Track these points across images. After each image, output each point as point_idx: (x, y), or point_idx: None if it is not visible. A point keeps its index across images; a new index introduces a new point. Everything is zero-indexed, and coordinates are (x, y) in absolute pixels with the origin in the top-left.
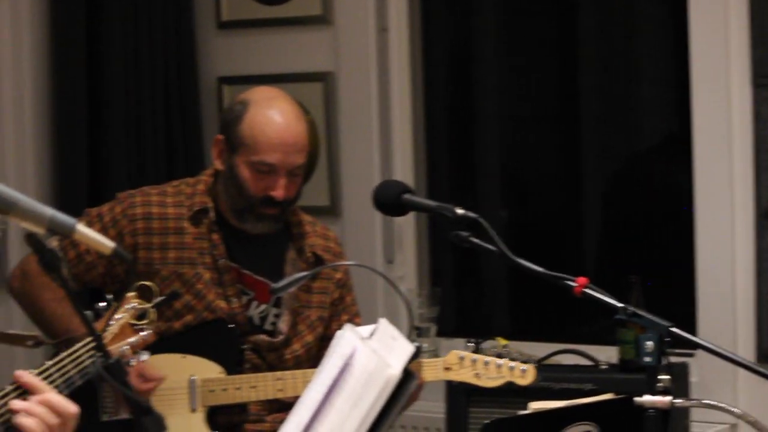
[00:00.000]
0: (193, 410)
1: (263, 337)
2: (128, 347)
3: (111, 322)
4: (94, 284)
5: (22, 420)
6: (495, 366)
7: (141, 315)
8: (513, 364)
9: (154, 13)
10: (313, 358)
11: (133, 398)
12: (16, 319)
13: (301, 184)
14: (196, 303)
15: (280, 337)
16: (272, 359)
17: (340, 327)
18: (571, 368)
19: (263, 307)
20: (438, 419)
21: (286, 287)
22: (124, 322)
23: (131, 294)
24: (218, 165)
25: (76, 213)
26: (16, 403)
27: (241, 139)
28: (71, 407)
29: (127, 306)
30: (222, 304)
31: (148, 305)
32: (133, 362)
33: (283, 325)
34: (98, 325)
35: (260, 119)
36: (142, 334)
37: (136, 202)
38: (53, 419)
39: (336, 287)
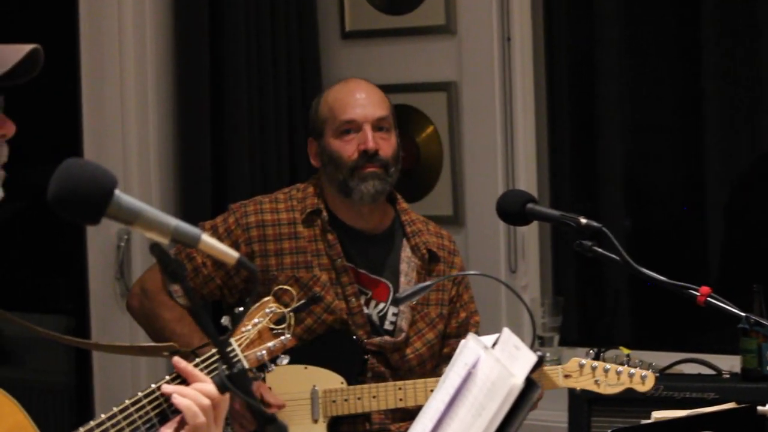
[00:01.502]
0: (315, 421)
1: (386, 338)
2: (265, 352)
3: (249, 327)
4: (212, 297)
5: (177, 400)
6: (615, 373)
7: (280, 319)
8: (633, 371)
9: (277, 23)
10: (436, 355)
11: (257, 408)
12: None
13: (398, 144)
14: (315, 305)
15: (402, 336)
16: (396, 360)
17: (458, 324)
18: (693, 377)
19: (381, 305)
20: (560, 428)
21: (409, 297)
22: (262, 326)
23: (269, 298)
24: (315, 163)
25: (198, 223)
26: (168, 387)
27: (322, 120)
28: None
29: (266, 310)
30: (341, 304)
31: (286, 309)
32: (271, 368)
33: (404, 323)
34: (235, 332)
35: (331, 94)
36: (281, 338)
37: (249, 211)
38: (204, 400)
39: (453, 284)
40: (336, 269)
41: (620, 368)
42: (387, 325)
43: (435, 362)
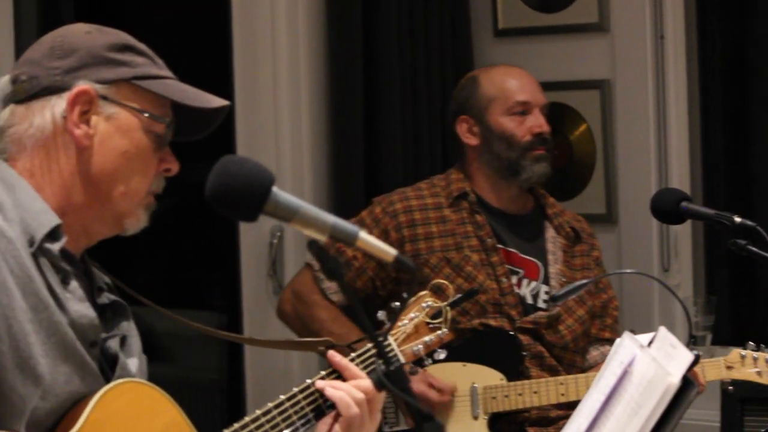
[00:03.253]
0: (476, 417)
1: (540, 313)
2: (422, 346)
3: (405, 321)
4: (365, 290)
5: (330, 392)
6: None
7: (436, 314)
8: None
9: (431, 20)
10: (588, 333)
11: (414, 405)
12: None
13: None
14: (468, 286)
15: (556, 309)
16: (550, 336)
17: (601, 305)
18: None
19: (534, 284)
20: (713, 428)
21: (567, 295)
22: (419, 321)
23: (425, 292)
24: (472, 141)
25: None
26: (320, 382)
27: (488, 98)
28: (374, 387)
29: (422, 305)
30: (493, 284)
31: (443, 304)
32: (428, 363)
33: None
34: (393, 326)
35: (496, 75)
36: (438, 332)
37: (394, 199)
38: (358, 394)
39: (595, 265)
40: (486, 250)
41: None
42: (540, 303)
43: (587, 340)
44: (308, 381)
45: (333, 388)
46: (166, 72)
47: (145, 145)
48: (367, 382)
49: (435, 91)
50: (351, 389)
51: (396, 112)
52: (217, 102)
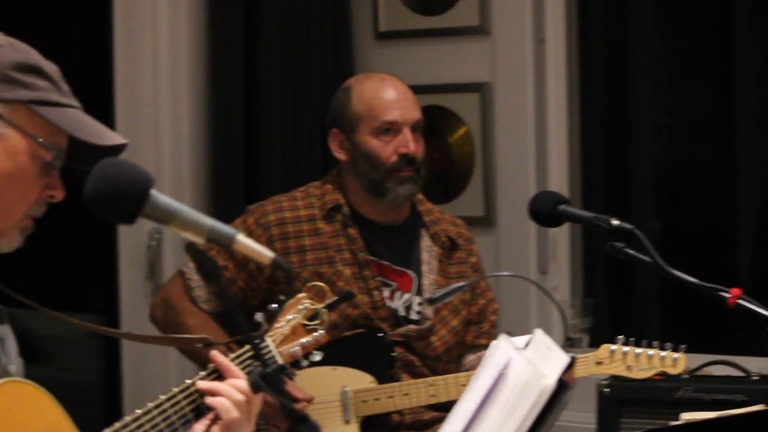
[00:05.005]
0: (347, 422)
1: (411, 327)
2: (299, 348)
3: (282, 323)
4: (236, 299)
5: (211, 400)
6: (646, 357)
7: (313, 315)
8: (664, 353)
9: (312, 23)
10: (461, 342)
11: (289, 407)
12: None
13: (425, 147)
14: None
15: (428, 323)
16: (422, 347)
17: (478, 311)
18: (722, 379)
19: (407, 296)
20: (589, 429)
21: (443, 297)
22: (296, 322)
23: (303, 295)
24: (341, 156)
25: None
26: (202, 383)
27: (357, 114)
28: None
29: (299, 307)
30: (365, 298)
31: (320, 305)
32: (305, 364)
33: (429, 311)
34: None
35: (368, 90)
36: (314, 334)
37: (268, 210)
38: (238, 396)
39: (472, 271)
40: (358, 263)
41: (651, 351)
42: (413, 315)
43: (461, 350)
44: (188, 381)
45: (213, 392)
46: (68, 100)
47: (29, 170)
48: (246, 383)
49: (315, 94)
50: (231, 392)
51: (276, 115)
52: (113, 140)
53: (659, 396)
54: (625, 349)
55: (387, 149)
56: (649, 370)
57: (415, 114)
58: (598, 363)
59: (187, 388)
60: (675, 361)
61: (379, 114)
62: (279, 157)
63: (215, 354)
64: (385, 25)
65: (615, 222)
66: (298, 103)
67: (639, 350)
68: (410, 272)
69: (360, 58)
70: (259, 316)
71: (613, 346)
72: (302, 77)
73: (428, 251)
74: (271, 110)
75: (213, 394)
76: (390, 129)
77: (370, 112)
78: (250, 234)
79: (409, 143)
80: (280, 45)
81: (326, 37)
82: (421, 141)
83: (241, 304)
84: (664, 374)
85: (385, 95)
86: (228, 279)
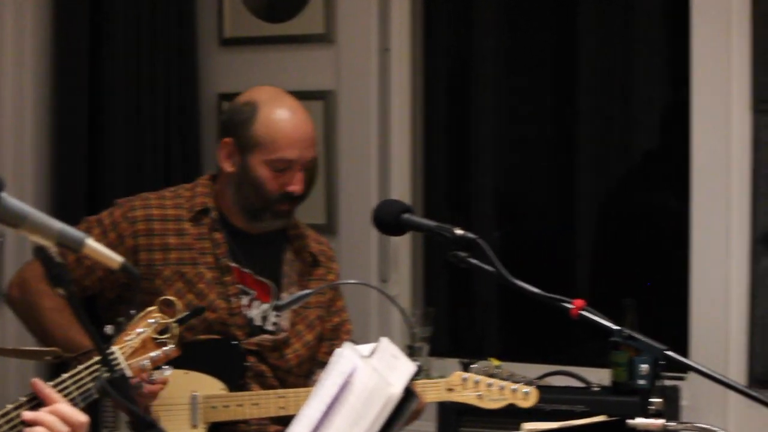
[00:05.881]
0: (194, 426)
1: (265, 337)
2: (149, 361)
3: (132, 336)
4: (93, 290)
5: (32, 429)
6: (498, 388)
7: (164, 329)
8: (515, 386)
9: (156, 29)
10: (314, 357)
11: (136, 413)
12: (9, 333)
13: (310, 178)
14: (198, 302)
15: (283, 335)
16: (275, 359)
17: (332, 328)
18: (563, 390)
19: (264, 306)
20: None
21: (290, 304)
22: (146, 336)
23: (153, 308)
24: (228, 167)
25: (73, 223)
26: (27, 414)
27: (257, 139)
28: (81, 417)
29: (149, 320)
30: (222, 303)
31: (170, 320)
32: (155, 376)
33: (285, 322)
34: (118, 340)
35: (274, 118)
36: (164, 348)
37: (136, 205)
38: (62, 428)
39: (329, 289)
40: (220, 268)
41: (503, 383)
42: (269, 325)
43: (312, 365)
44: (9, 407)
45: (36, 424)
46: None
47: None
48: (69, 409)
49: (159, 99)
50: (55, 423)
51: (120, 119)
52: None
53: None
54: (477, 378)
55: (275, 183)
56: (500, 401)
57: (311, 153)
58: (450, 390)
59: (8, 413)
60: (525, 395)
61: (279, 149)
62: (122, 162)
63: (36, 382)
64: (230, 31)
65: (458, 231)
66: (142, 107)
67: (490, 381)
68: (270, 283)
69: (204, 64)
70: (109, 329)
71: (466, 374)
72: (146, 82)
73: (290, 264)
74: (114, 114)
75: (35, 424)
76: (284, 167)
77: (271, 143)
78: (115, 226)
79: (298, 183)
80: (124, 49)
81: (171, 42)
82: (309, 175)
83: (98, 295)
84: (513, 406)
85: (290, 131)
86: (87, 267)
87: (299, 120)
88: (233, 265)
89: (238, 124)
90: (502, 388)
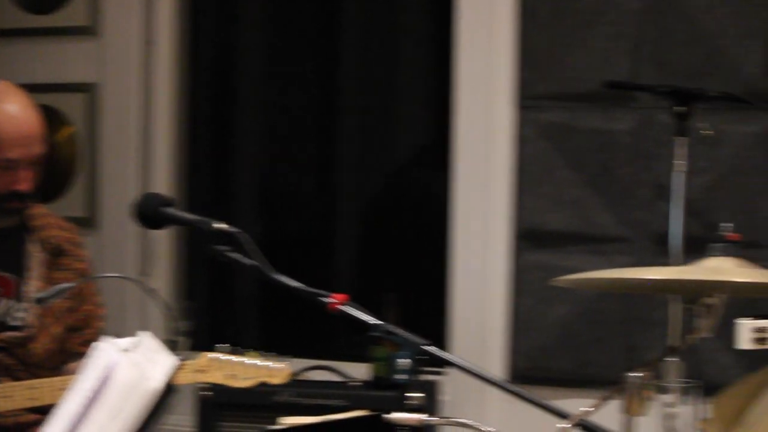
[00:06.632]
0: None
1: (11, 333)
2: None
3: None
4: None
5: None
6: (248, 366)
7: None
8: (265, 363)
9: None
10: (66, 349)
11: None
12: None
13: (41, 172)
14: None
15: (28, 331)
16: (22, 354)
17: (83, 317)
18: (323, 384)
19: (11, 302)
20: None
21: (51, 297)
22: None
23: None
24: None
25: None
26: None
27: None
28: None
29: None
30: None
31: None
32: None
33: (31, 318)
34: None
35: None
36: None
37: None
38: None
39: (79, 277)
40: None
41: (252, 361)
42: (15, 321)
43: (64, 357)
44: None
45: None
46: None
47: None
48: None
49: None
50: None
51: None
52: None
53: (259, 400)
54: (226, 357)
55: (0, 182)
56: (251, 379)
57: (37, 149)
58: (199, 371)
59: None
60: (276, 371)
61: (1, 150)
62: None
63: None
64: None
65: (218, 225)
66: None
67: (240, 359)
68: (13, 277)
69: None
70: None
71: (214, 355)
72: None
73: (34, 257)
74: None
75: None
76: (8, 165)
77: None
78: None
79: (23, 182)
80: None
81: None
82: (38, 170)
83: None
84: (265, 384)
85: (11, 130)
86: None
87: (24, 118)
88: None
89: None
90: (251, 366)
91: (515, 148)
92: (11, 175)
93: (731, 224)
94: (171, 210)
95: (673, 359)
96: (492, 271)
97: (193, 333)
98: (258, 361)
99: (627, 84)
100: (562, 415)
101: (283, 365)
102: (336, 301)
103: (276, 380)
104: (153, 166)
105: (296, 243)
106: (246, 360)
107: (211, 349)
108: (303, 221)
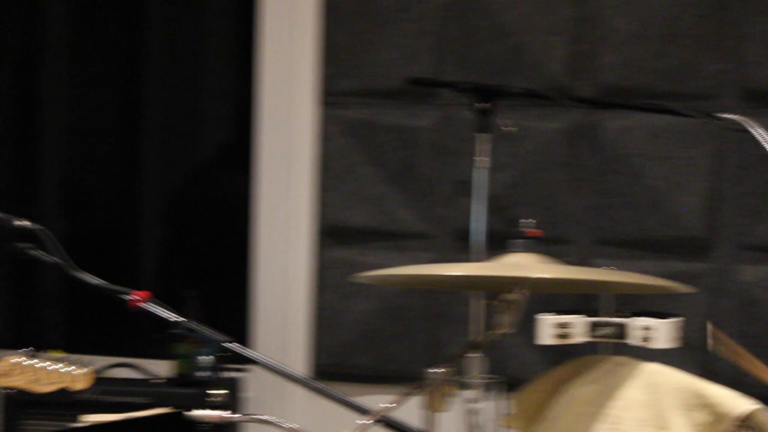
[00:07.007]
0: None
1: None
2: None
3: None
4: None
5: None
6: (50, 371)
7: None
8: (67, 368)
9: None
10: None
11: None
12: None
13: None
14: None
15: None
16: None
17: None
18: (126, 382)
19: None
20: None
21: None
22: None
23: None
24: None
25: None
26: None
27: None
28: None
29: None
30: None
31: None
32: None
33: None
34: None
35: None
36: None
37: None
38: None
39: None
40: None
41: (54, 366)
42: None
43: None
44: None
45: None
46: None
47: None
48: None
49: None
50: None
51: None
52: None
53: (61, 398)
54: (29, 362)
55: None
56: (53, 384)
57: None
58: (1, 375)
59: None
60: (78, 377)
61: None
62: None
63: None
64: None
65: (19, 222)
66: None
67: (42, 363)
68: None
69: None
70: None
71: (16, 359)
72: None
73: None
74: None
75: None
76: None
77: None
78: None
79: None
80: None
81: None
82: None
83: None
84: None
85: None
86: None
87: None
88: None
89: None
90: (54, 371)
91: (318, 144)
92: None
93: (533, 220)
94: None
95: (476, 355)
96: (294, 267)
97: None
98: (61, 367)
99: (429, 81)
100: (363, 411)
101: (85, 370)
102: (137, 298)
103: (79, 385)
104: None
105: (99, 240)
106: (48, 366)
107: (14, 351)
108: (106, 219)
